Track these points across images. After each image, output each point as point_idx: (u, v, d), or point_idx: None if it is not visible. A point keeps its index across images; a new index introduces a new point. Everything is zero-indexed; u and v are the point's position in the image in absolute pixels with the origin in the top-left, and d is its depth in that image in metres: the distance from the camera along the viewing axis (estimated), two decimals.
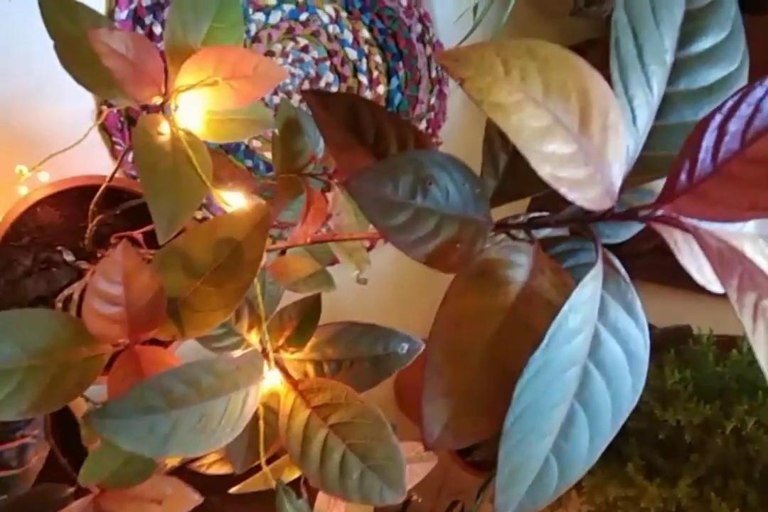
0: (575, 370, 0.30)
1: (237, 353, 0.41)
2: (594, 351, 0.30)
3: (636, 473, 0.64)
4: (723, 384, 0.65)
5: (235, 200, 0.45)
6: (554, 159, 0.25)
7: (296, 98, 0.94)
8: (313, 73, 0.94)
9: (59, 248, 0.67)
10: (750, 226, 0.35)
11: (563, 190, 0.25)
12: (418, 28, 0.98)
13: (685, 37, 0.30)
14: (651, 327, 1.02)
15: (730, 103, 0.24)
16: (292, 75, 0.93)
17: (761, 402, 0.60)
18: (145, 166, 0.41)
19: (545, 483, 0.30)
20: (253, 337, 0.41)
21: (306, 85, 0.94)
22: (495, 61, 0.25)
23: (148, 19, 0.81)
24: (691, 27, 0.30)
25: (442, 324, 0.29)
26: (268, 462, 0.44)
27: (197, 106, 0.46)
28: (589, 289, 0.29)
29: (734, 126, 0.25)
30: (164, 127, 0.44)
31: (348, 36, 0.95)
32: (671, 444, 0.66)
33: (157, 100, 0.44)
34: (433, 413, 0.29)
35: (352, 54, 0.95)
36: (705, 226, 0.28)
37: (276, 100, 0.92)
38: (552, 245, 0.37)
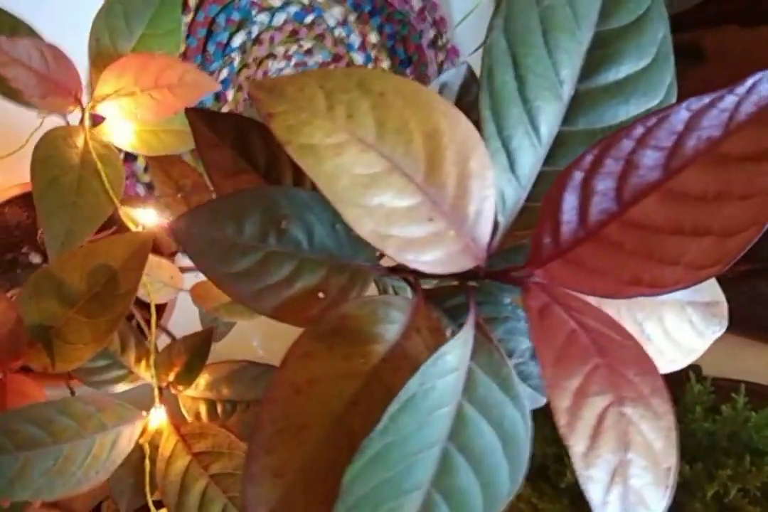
0: (431, 454, 0.25)
1: (122, 387, 0.39)
2: (457, 433, 0.26)
3: None
4: (712, 441, 0.58)
5: (146, 218, 0.42)
6: (380, 214, 0.21)
7: None
8: None
9: (25, 250, 0.67)
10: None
11: (390, 251, 0.21)
12: (431, 33, 0.93)
13: (592, 66, 0.25)
14: None
15: (589, 158, 0.20)
16: None
17: (748, 467, 0.53)
18: (43, 180, 0.38)
19: None
20: (143, 370, 0.38)
21: None
22: (316, 95, 0.21)
23: None
24: (601, 53, 0.25)
25: (278, 390, 0.26)
26: (160, 504, 0.41)
27: (123, 117, 0.43)
28: (451, 359, 0.25)
29: (603, 184, 0.20)
30: (79, 139, 0.42)
31: (355, 40, 0.91)
32: None
33: (71, 110, 0.42)
34: (257, 494, 0.25)
35: (358, 58, 0.91)
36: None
37: None
38: (450, 296, 0.32)
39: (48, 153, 0.39)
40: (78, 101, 0.42)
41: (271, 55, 0.88)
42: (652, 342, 0.27)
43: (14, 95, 0.42)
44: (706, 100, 0.18)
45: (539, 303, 0.21)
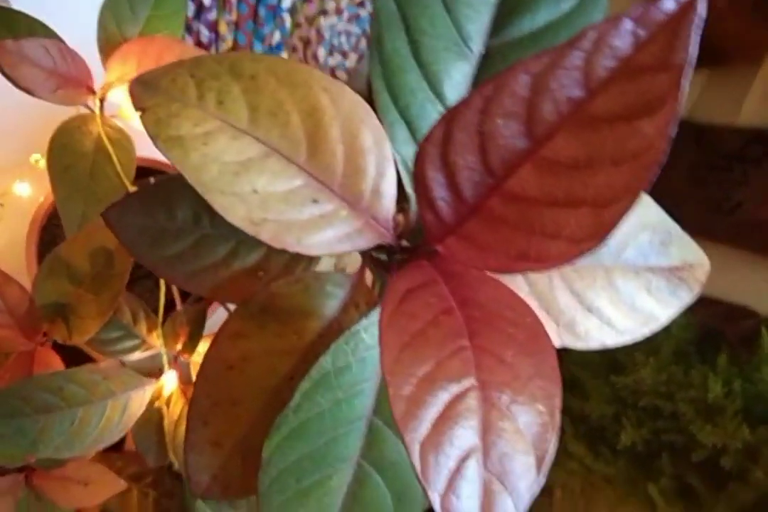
0: (356, 428, 0.26)
1: (136, 355, 0.42)
2: (382, 408, 0.26)
3: (659, 496, 0.55)
4: None
5: None
6: (254, 200, 0.21)
7: (352, 58, 0.90)
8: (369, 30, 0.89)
9: None
10: (630, 254, 0.27)
11: (265, 237, 0.21)
12: None
13: (504, 17, 0.23)
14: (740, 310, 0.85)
15: (438, 132, 0.18)
16: (348, 33, 0.89)
17: None
18: (58, 168, 0.42)
19: None
20: (155, 340, 0.42)
21: (363, 43, 0.89)
22: (188, 84, 0.21)
23: (194, 26, 0.82)
24: (514, 3, 0.23)
25: (211, 367, 0.27)
26: None
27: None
28: (367, 337, 0.25)
29: (463, 158, 0.19)
30: (94, 126, 0.45)
31: None
32: (710, 466, 0.56)
33: (85, 100, 0.45)
34: (199, 462, 0.27)
35: None
36: None
37: (331, 61, 0.89)
38: None
39: (62, 142, 0.43)
40: (91, 90, 0.45)
41: (323, 12, 0.87)
42: (594, 314, 0.26)
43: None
44: (546, 59, 0.16)
45: (413, 283, 0.21)
